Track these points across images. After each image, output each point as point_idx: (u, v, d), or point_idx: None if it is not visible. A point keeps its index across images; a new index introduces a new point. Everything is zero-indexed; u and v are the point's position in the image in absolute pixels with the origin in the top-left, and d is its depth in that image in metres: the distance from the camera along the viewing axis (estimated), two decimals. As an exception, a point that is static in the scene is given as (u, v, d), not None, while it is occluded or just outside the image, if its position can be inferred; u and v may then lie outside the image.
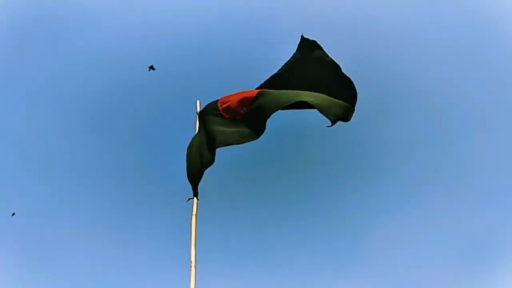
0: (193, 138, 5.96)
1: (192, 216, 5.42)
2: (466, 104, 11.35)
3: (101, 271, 9.27)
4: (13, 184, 10.32)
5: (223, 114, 5.91)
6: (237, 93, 5.96)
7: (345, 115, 5.57)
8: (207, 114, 6.00)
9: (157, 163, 10.79)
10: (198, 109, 6.17)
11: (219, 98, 6.02)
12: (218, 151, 5.77)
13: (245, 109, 5.80)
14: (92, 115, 11.23)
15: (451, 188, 10.75)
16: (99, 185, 10.54)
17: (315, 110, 5.53)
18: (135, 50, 11.52)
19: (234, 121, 5.84)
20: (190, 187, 5.68)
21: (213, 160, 5.75)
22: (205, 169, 5.73)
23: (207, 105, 6.09)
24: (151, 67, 6.00)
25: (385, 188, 10.96)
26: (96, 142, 11.06)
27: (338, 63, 5.71)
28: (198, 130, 6.00)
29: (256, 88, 5.93)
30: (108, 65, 11.40)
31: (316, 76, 5.79)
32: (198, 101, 6.23)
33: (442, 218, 10.38)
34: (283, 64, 5.95)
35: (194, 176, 5.72)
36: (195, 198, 5.57)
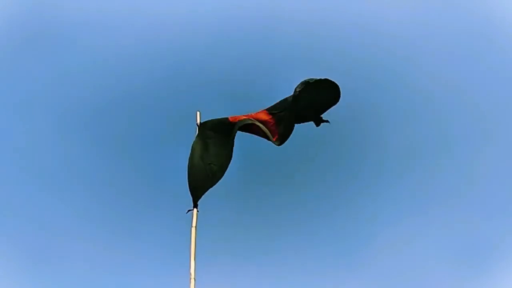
0: (194, 149, 5.95)
1: (192, 228, 5.41)
2: (468, 109, 11.40)
3: (99, 283, 9.22)
4: (12, 186, 10.31)
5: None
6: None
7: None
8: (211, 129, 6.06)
9: (157, 173, 10.77)
10: (199, 121, 6.19)
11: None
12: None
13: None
14: (92, 122, 11.25)
15: (452, 190, 10.77)
16: (97, 194, 10.51)
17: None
18: (137, 57, 11.60)
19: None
20: (190, 198, 5.67)
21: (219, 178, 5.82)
22: (212, 185, 5.77)
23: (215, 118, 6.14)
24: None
25: (387, 189, 10.97)
26: (95, 150, 11.05)
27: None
28: (201, 141, 6.02)
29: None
30: (109, 72, 11.46)
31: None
32: (198, 113, 6.26)
33: (445, 219, 10.39)
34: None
35: (196, 189, 5.72)
36: (195, 210, 5.56)
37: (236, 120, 5.99)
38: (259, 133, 6.07)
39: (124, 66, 11.51)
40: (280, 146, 5.95)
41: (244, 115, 6.07)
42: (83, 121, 11.19)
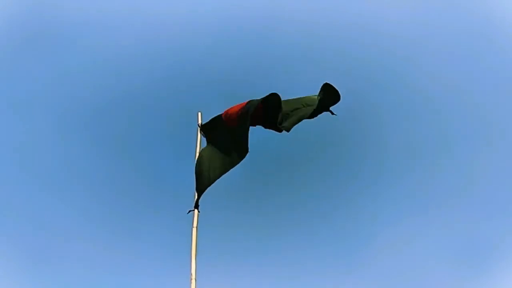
0: (203, 150, 5.95)
1: (193, 228, 5.42)
2: (468, 109, 11.41)
3: (99, 283, 9.22)
4: (12, 186, 10.30)
5: (226, 121, 5.95)
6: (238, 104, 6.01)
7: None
8: (213, 129, 6.04)
9: (157, 173, 10.78)
10: (200, 121, 6.20)
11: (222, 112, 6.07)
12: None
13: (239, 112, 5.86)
14: (92, 122, 11.25)
15: (452, 190, 10.78)
16: (97, 194, 10.51)
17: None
18: (137, 57, 11.60)
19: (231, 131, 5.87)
20: (191, 199, 5.67)
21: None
22: (212, 182, 5.75)
23: (212, 119, 6.13)
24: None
25: (387, 189, 10.97)
26: (95, 150, 11.05)
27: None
28: (207, 143, 6.03)
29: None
30: (109, 72, 11.45)
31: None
32: (199, 113, 6.27)
33: (445, 219, 10.39)
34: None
35: (202, 189, 5.71)
36: (195, 210, 5.56)
37: (233, 115, 5.94)
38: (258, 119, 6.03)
39: (124, 66, 11.52)
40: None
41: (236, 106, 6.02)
42: (83, 121, 11.19)
